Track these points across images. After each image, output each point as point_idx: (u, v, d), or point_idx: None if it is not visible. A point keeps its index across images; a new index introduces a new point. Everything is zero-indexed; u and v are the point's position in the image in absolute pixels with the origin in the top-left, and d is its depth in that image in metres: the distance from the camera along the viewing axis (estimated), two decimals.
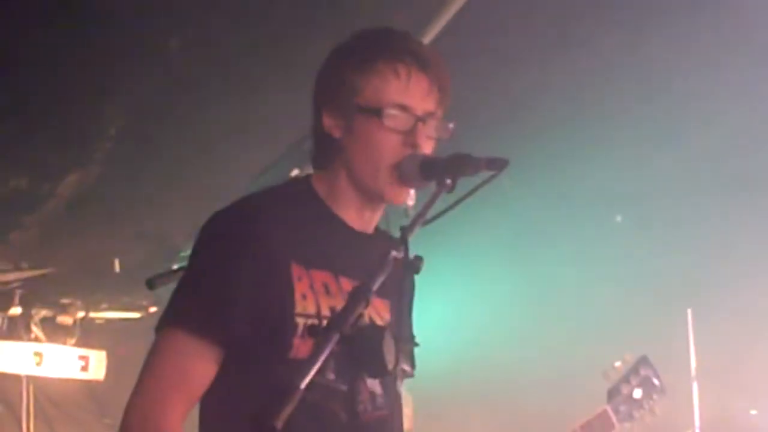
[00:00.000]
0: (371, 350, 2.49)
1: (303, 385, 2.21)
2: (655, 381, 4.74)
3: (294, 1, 5.35)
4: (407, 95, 2.88)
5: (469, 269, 8.29)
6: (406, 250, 2.53)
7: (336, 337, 2.31)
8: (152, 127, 6.27)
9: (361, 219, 2.98)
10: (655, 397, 4.72)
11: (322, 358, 2.27)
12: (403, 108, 2.87)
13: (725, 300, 7.45)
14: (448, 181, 2.68)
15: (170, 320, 2.80)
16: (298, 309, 2.78)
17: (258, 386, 2.65)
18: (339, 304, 2.75)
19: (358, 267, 2.81)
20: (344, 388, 2.68)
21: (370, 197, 2.95)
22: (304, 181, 3.02)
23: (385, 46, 2.94)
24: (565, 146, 7.05)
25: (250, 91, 5.97)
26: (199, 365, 2.75)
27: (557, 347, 7.98)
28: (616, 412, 4.65)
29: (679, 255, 7.63)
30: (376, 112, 2.86)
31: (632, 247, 7.80)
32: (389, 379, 2.81)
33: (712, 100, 6.57)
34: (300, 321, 2.77)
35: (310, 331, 2.52)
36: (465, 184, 2.73)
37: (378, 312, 2.96)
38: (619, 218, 7.96)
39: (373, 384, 2.86)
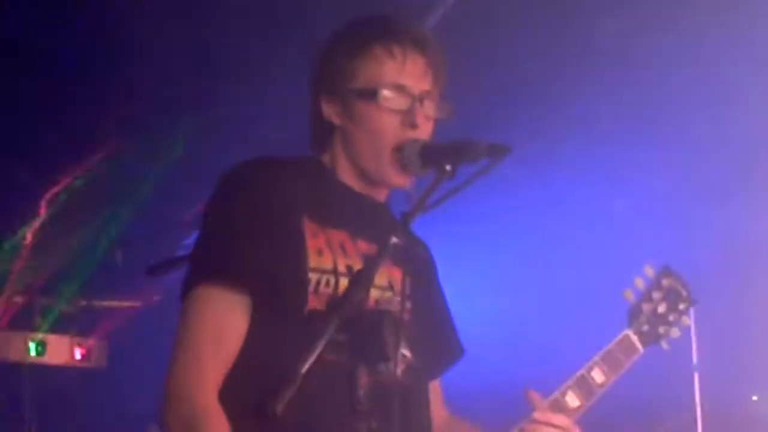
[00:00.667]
0: (371, 335, 2.50)
1: (304, 370, 2.21)
2: (681, 290, 4.17)
3: None
4: (403, 75, 2.89)
5: (472, 259, 8.28)
6: (407, 236, 2.53)
7: (336, 322, 2.31)
8: (157, 116, 6.29)
9: (371, 190, 2.98)
10: (681, 306, 4.15)
11: (323, 342, 2.27)
12: (400, 88, 2.88)
13: (727, 288, 7.45)
14: (449, 168, 2.67)
15: (194, 278, 2.78)
16: (312, 264, 2.76)
17: (274, 341, 2.66)
18: (356, 264, 2.80)
19: (372, 230, 2.81)
20: (344, 372, 2.68)
21: (372, 182, 2.95)
22: (311, 156, 3.02)
23: (379, 28, 2.94)
24: (567, 131, 7.06)
25: (258, 78, 5.98)
26: (231, 318, 2.72)
27: (559, 339, 7.97)
28: (639, 333, 4.04)
29: (680, 243, 7.62)
30: (372, 94, 2.86)
31: (634, 235, 7.79)
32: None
33: (713, 92, 6.58)
34: (313, 276, 2.75)
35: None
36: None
37: (396, 282, 2.91)
38: (619, 205, 7.95)
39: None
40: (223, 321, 2.72)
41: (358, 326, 2.45)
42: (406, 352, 2.79)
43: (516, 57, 6.30)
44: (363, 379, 2.69)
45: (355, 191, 2.96)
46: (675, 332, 4.10)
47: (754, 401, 7.51)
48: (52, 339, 8.45)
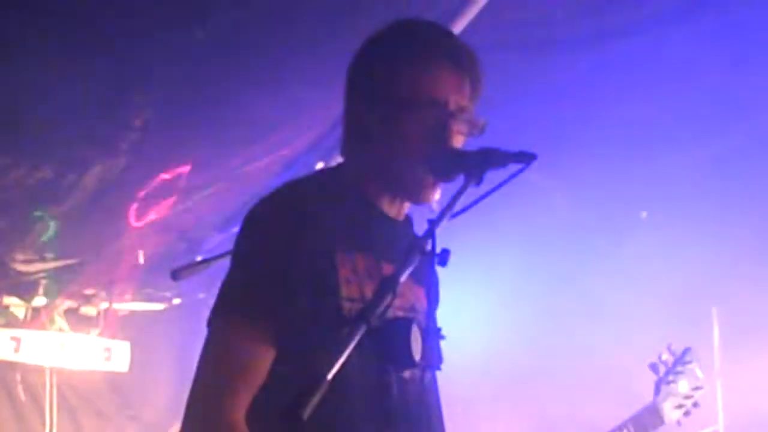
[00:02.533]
0: (398, 342, 2.50)
1: (330, 376, 2.21)
2: (698, 373, 4.79)
3: None
4: (440, 90, 2.87)
5: (491, 266, 8.27)
6: (434, 242, 2.52)
7: (363, 329, 2.31)
8: (177, 118, 6.29)
9: (394, 206, 2.98)
10: (699, 389, 4.76)
11: (350, 349, 2.27)
12: (437, 102, 2.87)
13: (750, 299, 7.42)
14: (476, 174, 2.66)
15: (223, 309, 2.78)
16: (344, 294, 2.77)
17: (305, 369, 2.64)
18: None
19: (396, 253, 2.79)
20: (372, 379, 2.68)
21: (400, 187, 2.95)
22: (336, 169, 3.02)
23: (421, 39, 2.94)
24: (592, 142, 7.03)
25: (275, 83, 5.98)
26: (255, 351, 2.72)
27: (580, 346, 7.95)
28: (664, 405, 4.70)
29: (704, 253, 7.59)
30: (408, 106, 2.86)
31: (657, 244, 7.77)
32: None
33: (740, 98, 6.54)
34: (346, 305, 2.76)
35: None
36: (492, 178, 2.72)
37: (417, 298, 2.96)
38: (644, 215, 7.94)
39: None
40: (246, 351, 2.73)
41: (385, 333, 2.45)
42: (431, 358, 2.79)
43: None
44: (391, 386, 2.69)
45: (381, 211, 2.96)
46: (690, 412, 4.78)
47: None
48: (75, 340, 8.46)
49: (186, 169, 6.83)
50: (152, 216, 7.25)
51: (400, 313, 2.85)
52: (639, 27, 5.90)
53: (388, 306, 2.38)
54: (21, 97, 5.71)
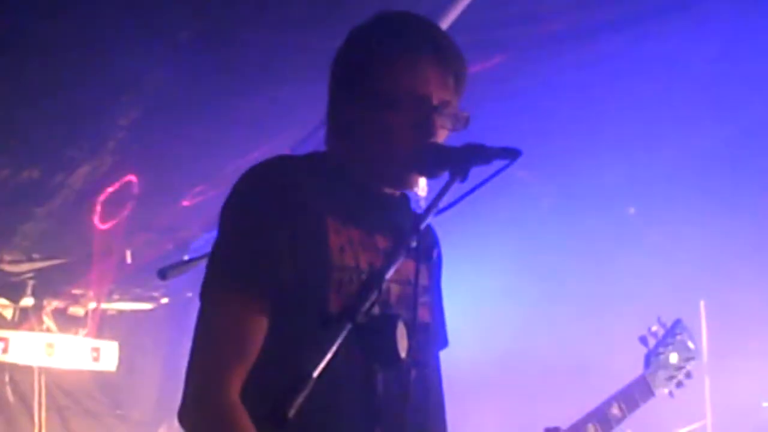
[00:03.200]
0: (384, 339, 2.49)
1: (316, 374, 2.21)
2: (690, 344, 4.71)
3: None
4: (423, 84, 2.85)
5: (480, 261, 8.28)
6: (419, 239, 2.52)
7: (349, 326, 2.31)
8: (164, 118, 6.28)
9: (380, 185, 2.96)
10: (691, 362, 4.69)
11: (335, 346, 2.26)
12: (419, 97, 2.85)
13: (738, 292, 7.44)
14: (461, 170, 2.65)
15: (214, 278, 2.78)
16: (335, 262, 2.77)
17: (295, 342, 2.66)
18: (375, 261, 2.80)
19: (389, 225, 2.81)
20: (358, 376, 2.67)
21: (384, 182, 2.94)
22: (324, 154, 3.01)
23: (403, 33, 2.91)
24: (579, 138, 7.04)
25: (262, 81, 5.98)
26: (250, 320, 2.72)
27: (569, 338, 7.97)
28: (654, 377, 4.58)
29: (692, 247, 7.61)
30: (390, 101, 2.84)
31: (645, 239, 7.79)
32: (424, 336, 2.88)
33: (726, 92, 6.56)
34: (337, 275, 2.75)
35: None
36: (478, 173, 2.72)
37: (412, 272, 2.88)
38: (632, 210, 7.96)
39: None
40: (243, 322, 2.71)
41: (371, 329, 2.44)
42: (418, 355, 2.79)
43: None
44: (377, 383, 2.69)
45: (369, 188, 2.95)
46: (683, 382, 4.67)
47: (765, 407, 7.49)
48: (63, 340, 8.45)
49: (133, 177, 6.86)
50: (114, 221, 7.26)
51: (394, 287, 2.84)
52: (625, 23, 5.91)
53: (374, 302, 2.37)
54: (10, 99, 5.71)
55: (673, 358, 4.63)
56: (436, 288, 3.12)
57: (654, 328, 4.71)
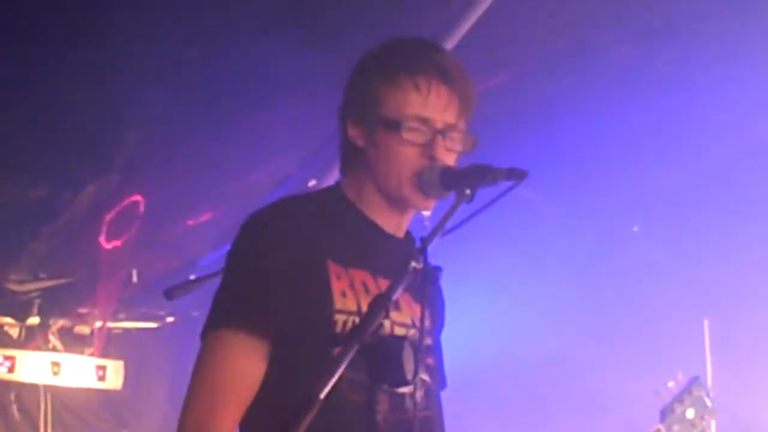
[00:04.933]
0: (391, 360, 2.50)
1: (323, 395, 2.22)
2: (707, 401, 4.64)
3: (315, 13, 5.37)
4: (426, 108, 2.88)
5: (484, 282, 8.27)
6: (426, 260, 2.54)
7: (356, 347, 2.32)
8: (170, 137, 6.30)
9: (392, 222, 2.98)
10: (706, 417, 4.63)
11: (342, 368, 2.28)
12: (423, 121, 2.87)
13: (742, 311, 7.43)
14: (468, 192, 2.67)
15: (215, 322, 2.80)
16: (338, 306, 2.78)
17: (302, 368, 2.68)
18: None
19: (393, 269, 2.78)
20: (364, 397, 2.69)
21: (396, 202, 2.96)
22: (335, 187, 3.04)
23: (407, 58, 2.93)
24: (583, 157, 7.05)
25: (268, 101, 5.99)
26: (248, 363, 2.74)
27: (571, 357, 7.96)
28: (670, 430, 4.57)
29: (696, 265, 7.61)
30: (395, 125, 2.86)
31: (649, 257, 7.79)
32: (431, 384, 2.89)
33: (730, 112, 6.57)
34: (339, 318, 2.77)
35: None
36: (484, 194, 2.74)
37: (416, 315, 2.95)
38: (636, 228, 7.96)
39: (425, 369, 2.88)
40: (241, 365, 2.74)
41: (378, 351, 2.46)
42: (425, 377, 2.80)
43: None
44: (383, 404, 2.70)
45: (377, 227, 2.96)
46: None
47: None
48: (69, 359, 8.46)
49: (139, 197, 6.89)
50: (120, 240, 7.28)
51: (398, 329, 2.87)
52: (632, 40, 5.93)
53: (381, 324, 2.39)
54: (17, 119, 5.74)
55: (690, 413, 4.59)
56: (437, 336, 3.13)
57: (670, 384, 4.65)
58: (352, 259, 2.87)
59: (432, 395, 2.96)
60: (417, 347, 2.57)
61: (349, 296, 2.82)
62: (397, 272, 2.51)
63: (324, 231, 2.86)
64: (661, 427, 4.54)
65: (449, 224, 2.62)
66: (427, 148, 2.87)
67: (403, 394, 2.73)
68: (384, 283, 2.86)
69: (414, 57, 2.94)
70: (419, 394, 2.75)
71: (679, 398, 4.61)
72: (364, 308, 2.71)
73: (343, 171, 3.04)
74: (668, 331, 7.36)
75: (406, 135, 2.86)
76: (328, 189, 3.07)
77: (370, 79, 2.94)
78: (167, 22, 5.31)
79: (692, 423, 4.60)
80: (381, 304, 2.42)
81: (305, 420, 2.21)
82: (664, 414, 4.59)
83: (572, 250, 7.98)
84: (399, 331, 2.86)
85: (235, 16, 5.32)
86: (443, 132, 2.89)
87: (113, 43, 5.34)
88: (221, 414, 2.71)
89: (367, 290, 2.86)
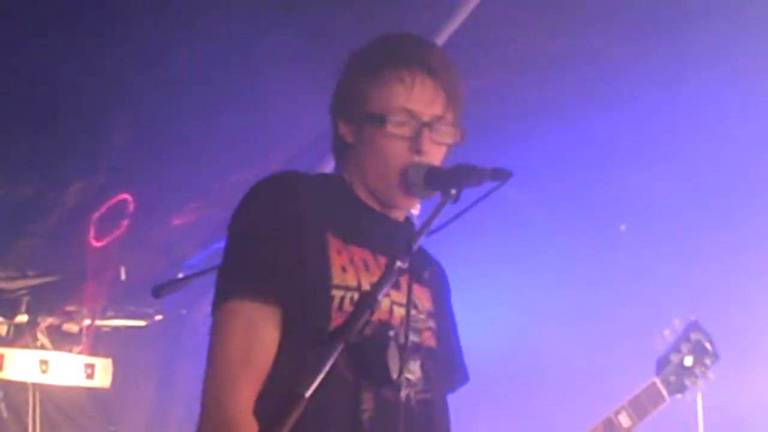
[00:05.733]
0: (375, 359, 2.51)
1: (308, 394, 2.23)
2: (707, 345, 4.39)
3: (302, 10, 5.37)
4: (412, 100, 2.89)
5: (472, 279, 8.28)
6: (411, 260, 2.54)
7: (341, 346, 2.33)
8: (157, 137, 6.30)
9: (381, 206, 3.00)
10: (707, 362, 4.38)
11: (327, 366, 2.28)
12: (409, 113, 2.89)
13: (731, 311, 7.44)
14: (453, 192, 2.69)
15: (225, 293, 2.80)
16: (336, 281, 2.78)
17: (296, 359, 2.68)
18: None
19: (390, 247, 2.81)
20: (349, 396, 2.69)
21: (383, 203, 2.98)
22: (336, 175, 3.06)
23: (392, 52, 2.95)
24: (571, 157, 7.07)
25: (254, 100, 6.00)
26: (262, 331, 2.74)
27: (560, 359, 7.97)
28: (666, 383, 4.30)
29: (683, 266, 7.62)
30: (381, 119, 2.88)
31: (636, 257, 7.79)
32: (429, 362, 2.88)
33: (717, 110, 6.58)
34: (337, 293, 2.77)
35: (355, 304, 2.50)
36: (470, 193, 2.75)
37: (420, 300, 2.97)
38: (623, 228, 7.96)
39: (415, 366, 2.87)
40: (255, 334, 2.74)
41: (363, 350, 2.47)
42: (410, 376, 2.80)
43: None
44: (367, 403, 2.71)
45: (375, 209, 2.99)
46: (699, 385, 4.36)
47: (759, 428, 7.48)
48: (57, 357, 8.45)
49: (127, 195, 6.88)
50: (109, 238, 7.27)
51: (397, 309, 2.85)
52: (612, 44, 5.94)
53: (366, 323, 2.40)
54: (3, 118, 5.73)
55: (688, 361, 4.36)
56: (446, 315, 3.14)
57: (666, 333, 4.45)
58: (353, 237, 2.88)
59: (432, 377, 2.95)
60: (402, 346, 2.57)
61: (349, 271, 2.82)
62: (383, 272, 2.51)
63: (325, 207, 2.88)
64: (657, 380, 4.31)
65: (435, 224, 2.62)
66: (414, 142, 2.88)
67: (388, 393, 2.74)
68: (383, 261, 2.88)
69: (399, 51, 2.96)
70: (404, 393, 2.75)
71: (675, 347, 4.38)
72: (365, 285, 2.79)
73: (337, 167, 3.07)
74: (656, 332, 7.36)
75: (392, 128, 2.88)
76: (330, 174, 3.09)
77: (356, 77, 2.96)
78: (157, 22, 5.31)
79: (691, 371, 4.36)
80: (367, 302, 2.42)
81: (290, 419, 2.21)
82: (660, 365, 4.35)
83: (559, 250, 7.98)
84: (398, 311, 2.85)
85: (224, 16, 5.32)
86: (429, 125, 2.90)
87: (102, 43, 5.33)
88: (240, 384, 2.71)
89: (367, 267, 2.86)
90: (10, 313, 8.37)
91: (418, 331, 2.92)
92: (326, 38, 5.22)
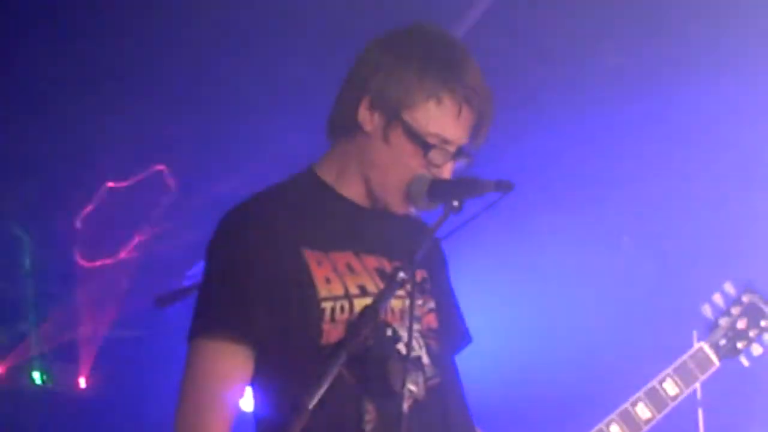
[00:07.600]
0: (378, 370, 2.51)
1: (311, 405, 2.22)
2: (763, 306, 4.04)
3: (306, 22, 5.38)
4: (452, 130, 2.86)
5: (473, 289, 8.24)
6: (414, 271, 2.54)
7: (344, 357, 2.32)
8: (153, 152, 6.33)
9: (370, 201, 2.96)
10: (764, 323, 4.03)
11: (330, 377, 2.28)
12: (444, 141, 2.85)
13: None
14: (456, 204, 2.68)
15: (195, 330, 2.82)
16: (323, 294, 2.78)
17: (293, 377, 2.68)
18: (366, 282, 2.82)
19: (377, 243, 2.83)
20: (352, 407, 2.69)
21: (374, 199, 2.95)
22: (307, 172, 3.00)
23: (449, 68, 2.87)
24: (575, 167, 7.07)
25: (256, 114, 6.01)
26: (233, 369, 2.77)
27: (563, 371, 7.95)
28: (715, 347, 3.97)
29: (684, 276, 7.61)
30: (420, 139, 2.84)
31: (638, 268, 7.78)
32: (437, 347, 2.89)
33: (722, 122, 6.59)
34: (327, 305, 2.77)
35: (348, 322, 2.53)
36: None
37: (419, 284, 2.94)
38: (626, 239, 7.95)
39: (421, 352, 2.88)
40: (223, 370, 2.77)
41: (365, 361, 2.46)
42: (413, 387, 2.80)
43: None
44: (370, 414, 2.70)
45: (355, 204, 2.95)
46: (757, 348, 4.04)
47: None
48: (54, 367, 8.45)
49: None
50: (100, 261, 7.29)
51: (395, 302, 2.84)
52: (621, 42, 5.94)
53: (369, 335, 2.39)
54: None
55: (741, 323, 4.02)
56: (445, 288, 3.13)
57: (716, 296, 4.12)
58: (332, 243, 2.86)
59: (440, 359, 2.94)
60: (405, 357, 2.57)
61: (333, 281, 2.81)
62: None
63: (298, 220, 2.86)
64: (704, 344, 4.00)
65: (438, 234, 2.65)
66: (435, 167, 2.86)
67: (391, 404, 2.73)
68: (368, 260, 2.88)
69: (454, 70, 2.88)
70: (407, 404, 2.74)
71: (726, 312, 4.06)
72: (352, 290, 2.79)
73: (332, 136, 2.99)
74: (657, 343, 7.34)
75: (425, 152, 2.83)
76: (300, 174, 3.02)
77: (404, 75, 2.86)
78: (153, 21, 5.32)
79: (744, 333, 4.03)
80: (369, 316, 2.42)
81: (295, 429, 2.21)
82: (708, 330, 4.04)
83: (564, 261, 7.97)
84: (396, 303, 2.84)
85: (217, 29, 5.33)
86: (458, 154, 2.89)
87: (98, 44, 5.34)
88: (208, 419, 2.73)
89: (351, 270, 2.85)
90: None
91: (419, 319, 2.93)
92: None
